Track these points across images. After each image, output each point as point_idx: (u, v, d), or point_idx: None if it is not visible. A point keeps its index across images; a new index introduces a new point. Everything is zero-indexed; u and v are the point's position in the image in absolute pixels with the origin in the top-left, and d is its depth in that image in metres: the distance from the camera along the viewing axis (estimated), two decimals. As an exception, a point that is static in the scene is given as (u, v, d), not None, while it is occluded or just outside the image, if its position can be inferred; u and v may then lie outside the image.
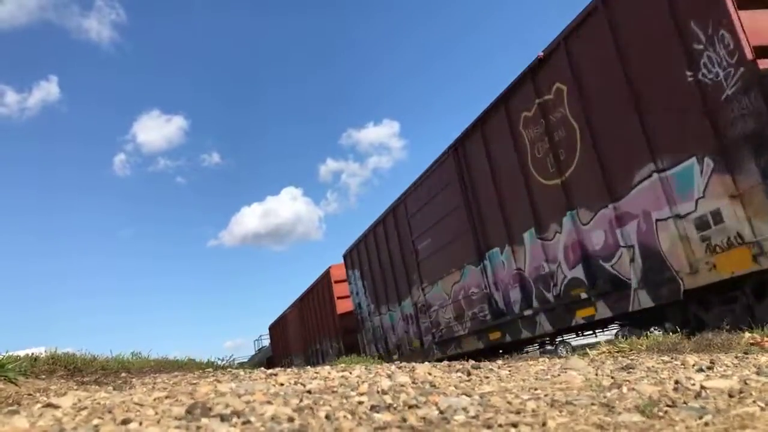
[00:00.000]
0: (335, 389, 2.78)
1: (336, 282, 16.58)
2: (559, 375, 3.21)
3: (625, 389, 2.53)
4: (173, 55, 67.13)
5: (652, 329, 6.40)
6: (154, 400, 2.47)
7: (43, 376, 4.20)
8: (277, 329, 26.33)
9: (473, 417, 2.06)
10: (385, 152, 71.78)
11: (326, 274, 17.19)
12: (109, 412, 2.14)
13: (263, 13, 66.32)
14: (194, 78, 69.50)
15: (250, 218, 73.46)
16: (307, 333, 20.13)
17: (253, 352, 33.82)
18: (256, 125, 74.48)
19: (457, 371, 3.56)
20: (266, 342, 31.21)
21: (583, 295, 6.59)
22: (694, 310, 5.51)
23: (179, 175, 71.62)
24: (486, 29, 63.58)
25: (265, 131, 74.90)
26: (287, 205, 71.51)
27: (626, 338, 5.55)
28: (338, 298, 16.47)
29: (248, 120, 73.63)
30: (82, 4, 61.95)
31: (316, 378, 3.30)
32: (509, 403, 2.31)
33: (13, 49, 58.33)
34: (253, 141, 76.16)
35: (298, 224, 72.38)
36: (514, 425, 1.91)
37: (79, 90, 63.34)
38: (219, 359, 8.41)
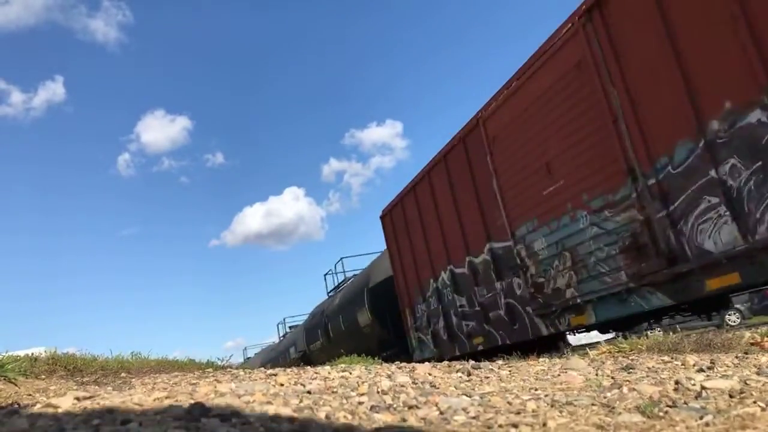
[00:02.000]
0: (335, 389, 2.78)
1: None
2: (559, 375, 3.21)
3: (625, 389, 2.53)
4: (177, 55, 67.47)
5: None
6: (154, 400, 2.47)
7: (43, 377, 4.20)
8: (419, 202, 9.66)
9: (473, 417, 2.06)
10: (388, 152, 71.60)
11: None
12: (109, 412, 2.14)
13: (267, 14, 66.62)
14: (198, 78, 69.85)
15: (253, 218, 73.31)
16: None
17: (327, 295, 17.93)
18: (260, 125, 74.60)
19: (458, 371, 3.55)
20: (354, 265, 17.51)
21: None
22: None
23: (183, 175, 71.86)
24: (489, 28, 63.49)
25: (268, 131, 74.99)
26: (290, 205, 71.25)
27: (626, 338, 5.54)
28: None
29: (252, 120, 73.78)
30: (89, 5, 62.38)
31: (315, 378, 3.30)
32: (509, 403, 2.31)
33: (20, 49, 58.86)
34: (257, 141, 76.32)
35: (300, 224, 72.08)
36: (515, 426, 1.91)
37: (85, 90, 63.87)
38: (219, 359, 8.35)
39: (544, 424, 1.91)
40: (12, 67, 57.36)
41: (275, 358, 22.74)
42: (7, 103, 59.82)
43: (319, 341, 16.13)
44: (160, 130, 68.48)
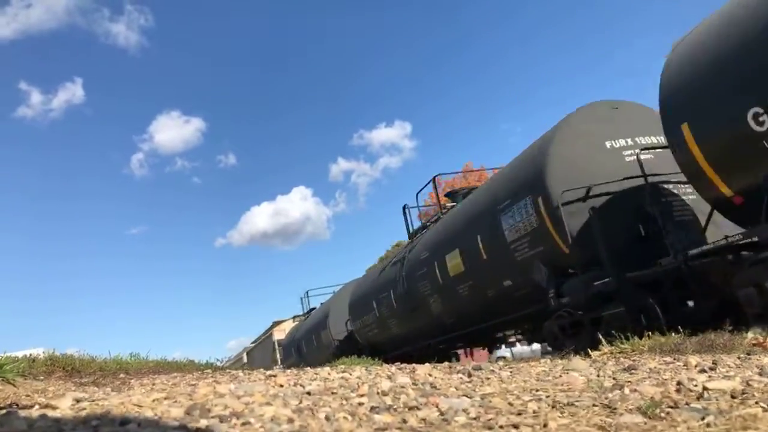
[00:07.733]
0: (335, 390, 2.77)
1: None
2: (560, 376, 3.19)
3: (627, 390, 2.52)
4: (195, 58, 68.01)
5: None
6: (153, 401, 2.46)
7: (42, 377, 4.19)
8: None
9: (474, 418, 2.05)
10: (396, 153, 70.88)
11: None
12: (108, 413, 2.13)
13: (277, 16, 66.80)
14: (213, 80, 70.51)
15: (260, 218, 72.87)
16: None
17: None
18: (271, 126, 74.62)
19: (458, 372, 3.54)
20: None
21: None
22: None
23: (195, 176, 71.98)
24: (498, 29, 63.22)
25: (279, 132, 74.88)
26: (297, 205, 70.49)
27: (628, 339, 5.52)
28: None
29: (263, 121, 73.87)
30: (112, 9, 63.20)
31: (315, 379, 3.28)
32: (510, 404, 2.29)
33: (42, 52, 59.69)
34: (268, 141, 76.27)
35: (307, 224, 71.34)
36: (516, 426, 1.89)
37: (103, 91, 64.77)
38: (218, 360, 8.33)
39: (545, 425, 1.90)
40: (33, 69, 58.12)
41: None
42: (26, 104, 60.40)
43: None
44: (174, 130, 68.92)
